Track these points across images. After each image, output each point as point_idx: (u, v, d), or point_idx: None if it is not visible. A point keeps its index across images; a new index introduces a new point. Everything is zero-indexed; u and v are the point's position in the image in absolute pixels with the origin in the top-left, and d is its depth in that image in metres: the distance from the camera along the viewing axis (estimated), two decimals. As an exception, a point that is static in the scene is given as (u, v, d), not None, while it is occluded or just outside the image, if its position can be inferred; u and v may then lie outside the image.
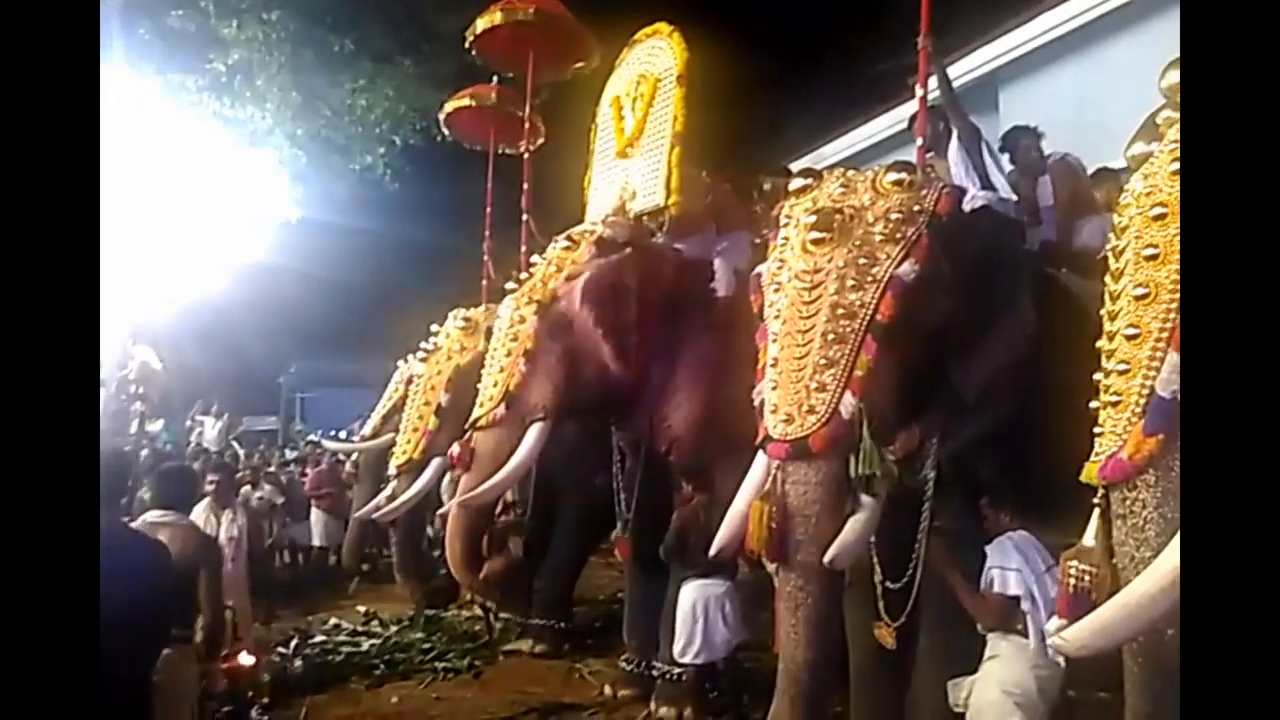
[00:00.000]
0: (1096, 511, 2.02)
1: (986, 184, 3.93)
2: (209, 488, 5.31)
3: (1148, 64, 3.41)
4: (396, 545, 7.03)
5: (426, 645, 6.21)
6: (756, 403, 3.11)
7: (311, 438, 12.80)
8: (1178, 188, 1.92)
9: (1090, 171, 4.77)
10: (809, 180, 3.30)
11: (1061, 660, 3.03)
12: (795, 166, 6.10)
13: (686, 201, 5.38)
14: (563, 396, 4.61)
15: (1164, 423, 1.85)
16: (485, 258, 7.94)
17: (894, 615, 3.45)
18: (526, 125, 7.71)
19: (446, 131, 9.02)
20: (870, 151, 9.11)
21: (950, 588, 3.27)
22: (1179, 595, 1.72)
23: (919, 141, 3.89)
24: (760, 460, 3.07)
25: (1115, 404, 1.96)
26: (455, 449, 4.76)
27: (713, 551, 3.15)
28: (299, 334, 17.71)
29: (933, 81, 4.06)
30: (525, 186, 7.51)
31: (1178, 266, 1.85)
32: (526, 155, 7.79)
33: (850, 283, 2.93)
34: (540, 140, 8.24)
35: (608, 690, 5.24)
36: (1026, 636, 3.09)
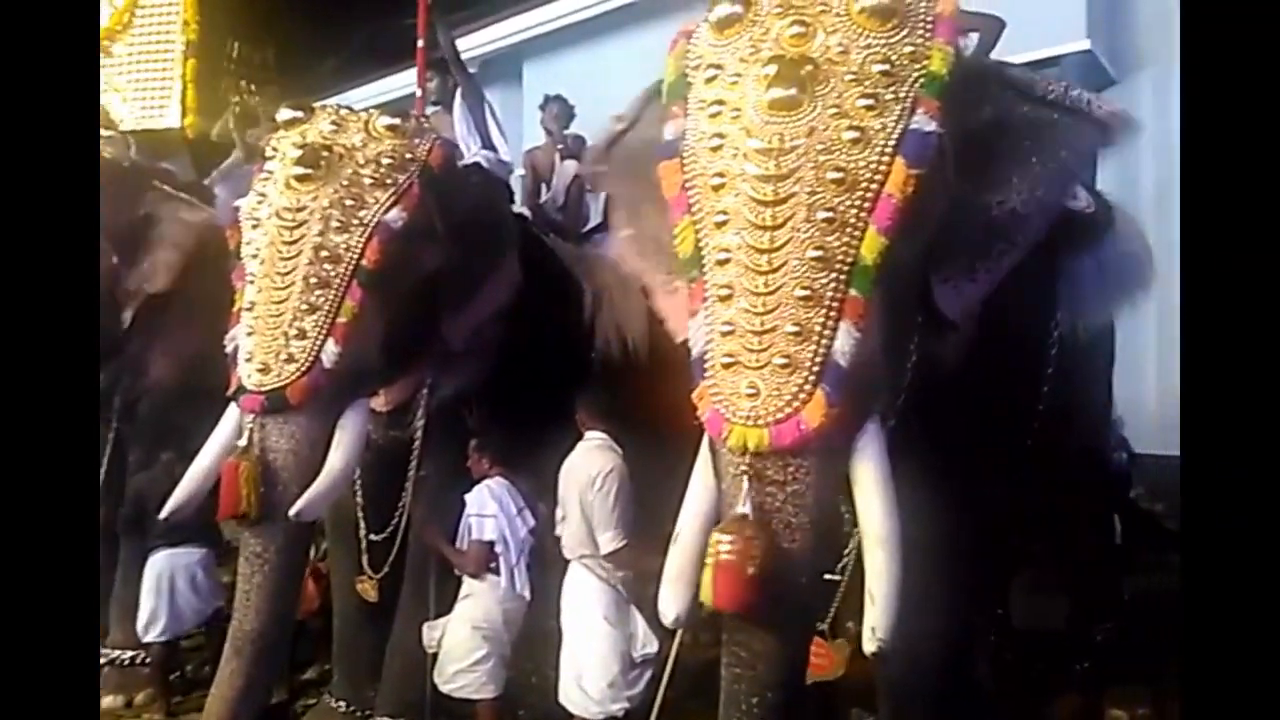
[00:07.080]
0: (746, 479, 1.89)
1: (488, 144, 4.06)
2: None
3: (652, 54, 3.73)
4: None
5: None
6: (229, 350, 2.85)
7: None
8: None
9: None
10: (299, 113, 3.08)
11: (527, 594, 3.30)
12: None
13: (204, 124, 4.78)
14: None
15: (841, 392, 1.84)
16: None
17: (377, 568, 3.44)
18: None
19: None
20: (399, 102, 8.93)
21: (430, 537, 3.36)
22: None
23: (418, 92, 3.87)
24: (231, 413, 2.81)
25: (784, 366, 1.85)
26: None
27: (164, 513, 2.82)
28: None
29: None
30: None
31: (855, 235, 1.84)
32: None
33: (335, 224, 2.81)
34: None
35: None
36: (498, 574, 3.27)
